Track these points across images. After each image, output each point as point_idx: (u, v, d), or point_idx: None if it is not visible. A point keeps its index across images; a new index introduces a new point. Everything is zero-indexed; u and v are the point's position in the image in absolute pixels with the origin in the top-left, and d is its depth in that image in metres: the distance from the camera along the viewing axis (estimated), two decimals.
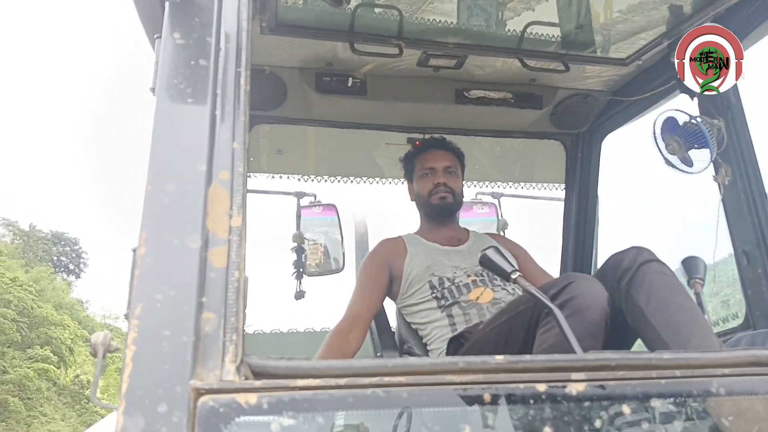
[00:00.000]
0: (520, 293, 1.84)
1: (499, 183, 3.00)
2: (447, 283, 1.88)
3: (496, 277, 1.88)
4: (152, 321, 0.66)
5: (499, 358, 0.71)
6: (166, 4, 0.89)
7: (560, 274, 2.87)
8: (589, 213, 2.78)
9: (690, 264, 1.51)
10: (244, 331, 0.70)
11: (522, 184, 2.98)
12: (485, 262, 1.29)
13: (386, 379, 0.66)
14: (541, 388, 0.69)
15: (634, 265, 1.39)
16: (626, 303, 1.38)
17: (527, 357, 0.72)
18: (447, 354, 1.71)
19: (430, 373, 0.68)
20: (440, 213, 2.15)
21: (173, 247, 0.71)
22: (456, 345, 1.68)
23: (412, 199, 2.26)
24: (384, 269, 1.99)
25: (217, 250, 0.74)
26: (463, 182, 2.28)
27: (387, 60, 2.21)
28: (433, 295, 1.88)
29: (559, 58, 2.22)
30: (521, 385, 0.69)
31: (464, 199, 3.22)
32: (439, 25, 2.11)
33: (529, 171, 2.95)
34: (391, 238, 2.16)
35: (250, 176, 2.52)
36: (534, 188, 2.97)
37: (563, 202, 2.84)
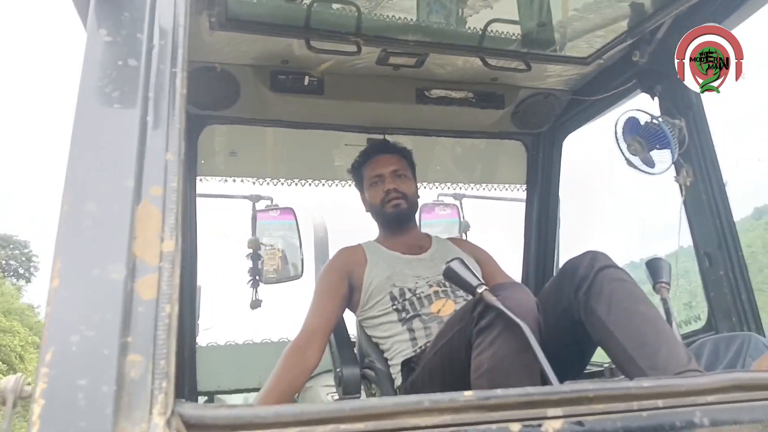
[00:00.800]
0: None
1: (461, 184, 2.95)
2: (408, 294, 1.80)
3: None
4: (66, 368, 0.56)
5: (468, 394, 0.64)
6: None
7: (522, 275, 2.84)
8: (551, 213, 2.77)
9: (654, 267, 1.47)
10: (176, 376, 0.60)
11: (484, 185, 2.93)
12: (449, 275, 1.23)
13: (343, 426, 0.58)
14: (515, 427, 0.62)
15: (590, 272, 1.34)
16: (586, 315, 1.33)
17: (499, 392, 0.65)
18: (402, 377, 1.64)
19: (393, 415, 0.60)
20: (396, 220, 2.06)
21: (92, 279, 0.61)
22: (408, 369, 1.62)
23: (367, 210, 2.16)
24: (343, 279, 1.90)
25: (146, 280, 0.64)
26: (416, 182, 2.19)
27: (345, 58, 2.12)
28: (394, 307, 1.80)
29: (521, 57, 2.18)
30: (493, 426, 0.62)
31: (426, 201, 3.20)
32: (398, 22, 2.04)
33: (491, 172, 2.91)
34: (350, 246, 2.07)
35: (201, 180, 2.41)
36: (496, 189, 2.93)
37: (525, 203, 2.82)
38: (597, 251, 1.41)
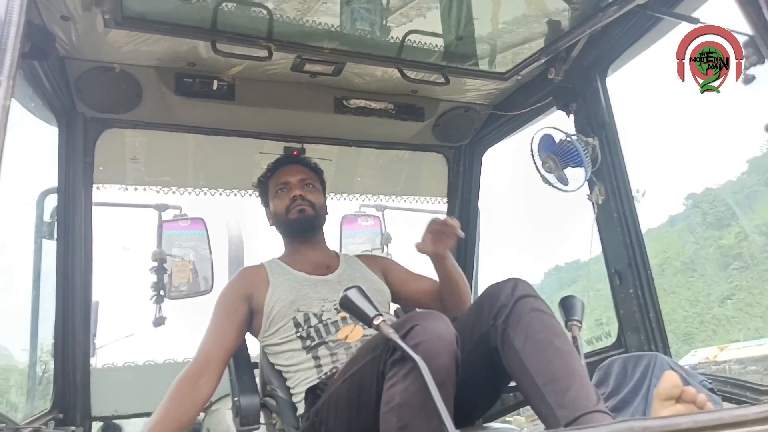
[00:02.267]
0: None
1: (382, 196, 2.89)
2: (314, 321, 1.69)
3: None
4: None
5: None
6: None
7: None
8: (471, 226, 2.75)
9: (568, 304, 1.45)
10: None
11: (406, 197, 2.88)
12: (346, 305, 1.14)
13: None
14: None
15: (510, 300, 1.30)
16: (502, 344, 1.28)
17: None
18: (305, 405, 1.53)
19: None
20: (301, 229, 1.93)
21: None
22: (313, 396, 1.51)
23: (271, 224, 2.02)
24: (242, 302, 1.77)
25: None
26: (325, 198, 2.07)
27: (257, 63, 2.00)
28: (298, 334, 1.68)
29: (439, 69, 2.14)
30: None
31: (348, 212, 3.11)
32: (314, 28, 1.95)
33: (414, 184, 2.86)
34: (251, 266, 1.93)
35: (99, 188, 2.23)
36: (418, 201, 2.89)
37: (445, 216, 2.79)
38: (519, 279, 1.37)
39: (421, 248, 1.72)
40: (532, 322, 1.26)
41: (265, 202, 2.03)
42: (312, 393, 1.53)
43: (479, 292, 2.96)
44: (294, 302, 1.71)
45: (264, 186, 2.03)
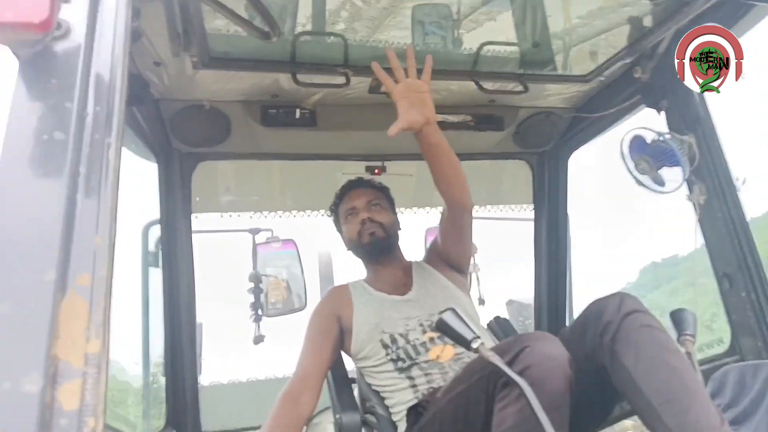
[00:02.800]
0: (481, 346, 1.68)
1: None
2: (401, 341, 1.70)
3: None
4: None
5: None
6: (17, 61, 0.73)
7: (534, 298, 2.74)
8: (561, 233, 2.67)
9: (678, 318, 1.36)
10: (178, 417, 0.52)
11: (490, 206, 2.84)
12: (442, 328, 1.14)
13: None
14: None
15: (617, 316, 1.24)
16: (611, 362, 1.23)
17: None
18: (407, 424, 1.54)
19: None
20: (375, 252, 1.96)
21: (3, 394, 0.54)
22: (415, 415, 1.51)
23: (347, 249, 2.08)
24: (333, 321, 1.82)
25: (68, 387, 0.57)
26: (396, 216, 2.11)
27: (335, 90, 2.06)
28: (389, 356, 1.70)
29: (517, 78, 2.09)
30: None
31: (432, 225, 3.10)
32: (386, 49, 1.97)
33: (497, 193, 2.82)
34: (338, 286, 1.99)
35: (197, 216, 2.36)
36: (503, 210, 2.84)
37: (533, 223, 2.72)
38: (625, 293, 1.32)
39: (395, 131, 1.66)
40: (642, 339, 1.20)
41: (339, 229, 2.09)
42: (414, 411, 1.54)
43: (574, 305, 2.89)
44: (378, 325, 1.74)
45: (335, 213, 2.09)
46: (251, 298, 2.65)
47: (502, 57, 2.06)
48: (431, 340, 1.66)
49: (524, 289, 2.90)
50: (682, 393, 1.11)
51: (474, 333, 1.11)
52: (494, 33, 2.07)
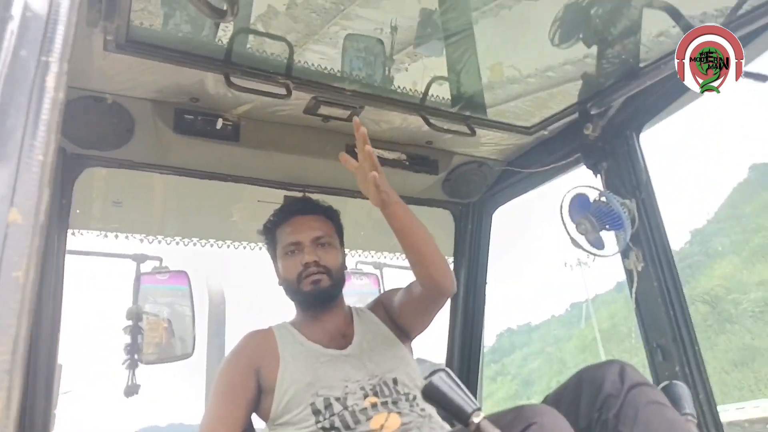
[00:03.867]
0: (433, 413, 1.45)
1: (384, 252, 2.67)
2: (337, 407, 1.42)
3: (400, 393, 1.49)
4: None
5: None
6: None
7: (447, 354, 2.58)
8: (479, 288, 2.56)
9: (674, 394, 1.24)
10: None
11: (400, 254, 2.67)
12: (431, 395, 0.91)
13: None
14: None
15: (620, 390, 1.10)
16: None
17: None
18: None
19: None
20: (315, 302, 1.66)
21: None
22: None
23: (279, 284, 1.75)
24: (249, 377, 1.49)
25: None
26: (344, 251, 1.84)
27: (267, 103, 1.82)
28: (320, 424, 1.40)
29: (464, 120, 1.99)
30: None
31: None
32: (333, 69, 1.79)
33: None
34: (258, 331, 1.66)
35: (74, 234, 1.94)
36: None
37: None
38: (623, 362, 1.17)
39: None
40: (652, 419, 1.06)
41: (273, 256, 1.78)
42: None
43: (483, 360, 2.75)
44: (312, 384, 1.44)
45: (271, 235, 1.77)
46: (127, 339, 2.21)
47: (449, 96, 1.95)
48: (373, 406, 1.40)
49: (436, 348, 2.75)
50: None
51: (474, 403, 0.90)
52: (441, 71, 1.97)
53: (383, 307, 1.77)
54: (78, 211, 1.92)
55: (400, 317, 1.71)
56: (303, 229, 1.73)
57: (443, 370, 0.95)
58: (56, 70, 0.39)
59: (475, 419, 0.88)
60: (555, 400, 1.21)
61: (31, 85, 0.38)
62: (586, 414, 1.12)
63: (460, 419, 0.90)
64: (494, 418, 0.97)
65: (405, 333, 1.72)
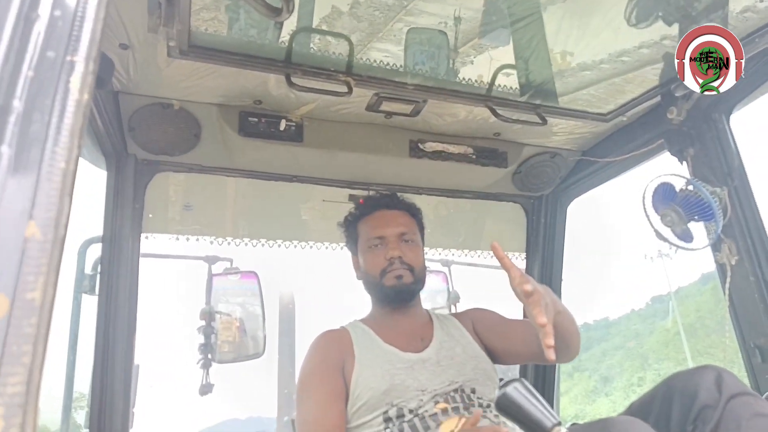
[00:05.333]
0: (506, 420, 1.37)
1: (451, 249, 2.60)
2: (408, 416, 1.37)
3: (473, 400, 1.42)
4: None
5: None
6: None
7: None
8: (554, 286, 2.44)
9: None
10: None
11: (478, 252, 2.59)
12: (505, 408, 0.85)
13: None
14: None
15: (718, 400, 0.99)
16: None
17: None
18: None
19: None
20: (398, 298, 1.63)
21: None
22: None
23: (358, 278, 1.74)
24: (338, 374, 1.45)
25: None
26: (423, 247, 1.80)
27: (329, 102, 1.80)
28: (388, 430, 1.37)
29: (533, 109, 1.89)
30: None
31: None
32: (395, 65, 1.74)
33: (485, 236, 2.57)
34: (333, 330, 1.64)
35: (147, 237, 2.00)
36: (492, 256, 2.59)
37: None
38: (721, 368, 1.06)
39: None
40: None
41: (353, 249, 1.76)
42: None
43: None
44: (387, 393, 1.39)
45: (352, 229, 1.75)
46: (201, 339, 2.26)
47: (517, 86, 1.86)
48: (444, 411, 1.34)
49: None
50: None
51: (554, 417, 0.83)
52: (509, 60, 1.88)
53: (472, 322, 1.71)
54: (150, 215, 1.97)
55: (493, 344, 1.66)
56: (388, 223, 1.71)
57: (518, 380, 0.88)
58: (81, 70, 0.36)
59: None
60: (642, 409, 1.11)
61: (55, 87, 0.35)
62: (678, 426, 1.02)
63: None
64: None
65: (490, 355, 1.65)
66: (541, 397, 0.86)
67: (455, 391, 1.43)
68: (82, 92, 0.36)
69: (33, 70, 0.37)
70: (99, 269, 1.93)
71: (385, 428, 1.36)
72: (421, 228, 1.78)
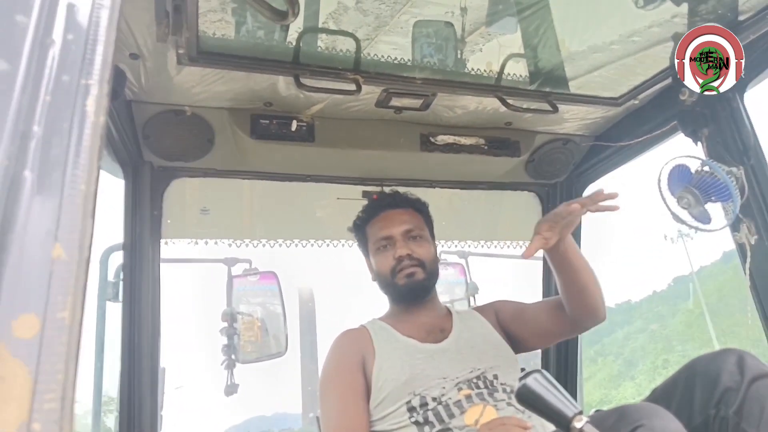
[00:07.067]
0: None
1: (468, 241, 2.60)
2: (432, 404, 1.39)
3: (496, 383, 1.43)
4: None
5: None
6: None
7: (542, 352, 2.47)
8: None
9: None
10: None
11: (494, 242, 2.58)
12: (526, 398, 0.86)
13: None
14: None
15: (739, 383, 0.99)
16: None
17: None
18: None
19: None
20: (410, 295, 1.64)
21: None
22: None
23: (373, 279, 1.76)
24: (360, 372, 1.47)
25: None
26: (435, 243, 1.81)
27: (339, 100, 1.80)
28: (413, 419, 1.38)
29: (544, 96, 1.88)
30: None
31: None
32: (402, 59, 1.74)
33: (502, 227, 2.56)
34: (352, 329, 1.66)
35: (166, 243, 2.03)
36: (509, 246, 2.58)
37: (541, 263, 2.47)
38: (742, 351, 1.06)
39: (529, 253, 1.40)
40: None
41: (365, 251, 1.77)
42: None
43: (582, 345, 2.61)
44: (409, 383, 1.41)
45: (361, 232, 1.77)
46: (224, 341, 2.30)
47: (527, 74, 1.85)
48: (468, 398, 1.36)
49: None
50: None
51: (575, 406, 0.83)
52: (518, 48, 1.87)
53: (495, 313, 1.72)
54: (169, 221, 2.00)
55: (519, 330, 1.68)
56: (393, 223, 1.72)
57: (538, 371, 0.89)
58: (96, 93, 0.37)
59: (577, 424, 0.81)
60: (664, 395, 1.11)
61: (72, 111, 0.37)
62: (701, 410, 1.02)
63: (561, 424, 0.83)
64: (596, 421, 0.89)
65: (514, 345, 1.65)
66: (561, 388, 0.87)
67: (478, 378, 1.44)
68: (98, 114, 0.37)
69: (50, 95, 0.38)
70: (121, 276, 1.97)
71: (410, 417, 1.38)
72: (429, 222, 1.79)
